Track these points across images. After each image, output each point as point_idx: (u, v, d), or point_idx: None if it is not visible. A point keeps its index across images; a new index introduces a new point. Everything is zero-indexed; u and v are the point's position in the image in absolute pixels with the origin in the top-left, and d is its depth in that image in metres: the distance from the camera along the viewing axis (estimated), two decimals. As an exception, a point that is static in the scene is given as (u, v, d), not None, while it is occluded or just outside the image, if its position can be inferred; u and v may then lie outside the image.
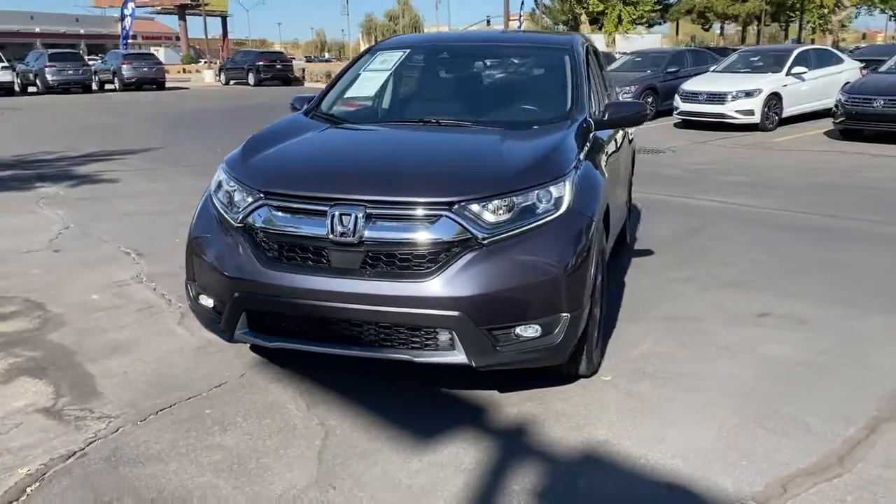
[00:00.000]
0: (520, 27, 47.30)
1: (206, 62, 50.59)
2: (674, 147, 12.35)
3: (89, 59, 34.89)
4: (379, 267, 2.99)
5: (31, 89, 30.91)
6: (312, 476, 2.75)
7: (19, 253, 5.93)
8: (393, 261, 2.99)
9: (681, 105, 14.74)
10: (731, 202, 7.84)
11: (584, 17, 42.92)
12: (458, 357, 2.98)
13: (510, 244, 2.99)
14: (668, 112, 15.39)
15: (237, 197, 3.28)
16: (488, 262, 2.95)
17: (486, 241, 2.96)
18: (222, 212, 3.32)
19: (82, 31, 76.09)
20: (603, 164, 3.90)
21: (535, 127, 3.76)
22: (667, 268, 5.46)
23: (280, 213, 3.13)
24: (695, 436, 3.04)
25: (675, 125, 15.18)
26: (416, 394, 3.42)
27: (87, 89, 30.65)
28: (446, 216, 2.97)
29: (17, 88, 30.19)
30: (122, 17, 36.24)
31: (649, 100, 16.14)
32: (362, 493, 2.65)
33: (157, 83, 32.04)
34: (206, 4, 61.58)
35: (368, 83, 4.46)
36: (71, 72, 29.79)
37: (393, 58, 4.54)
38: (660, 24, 53.14)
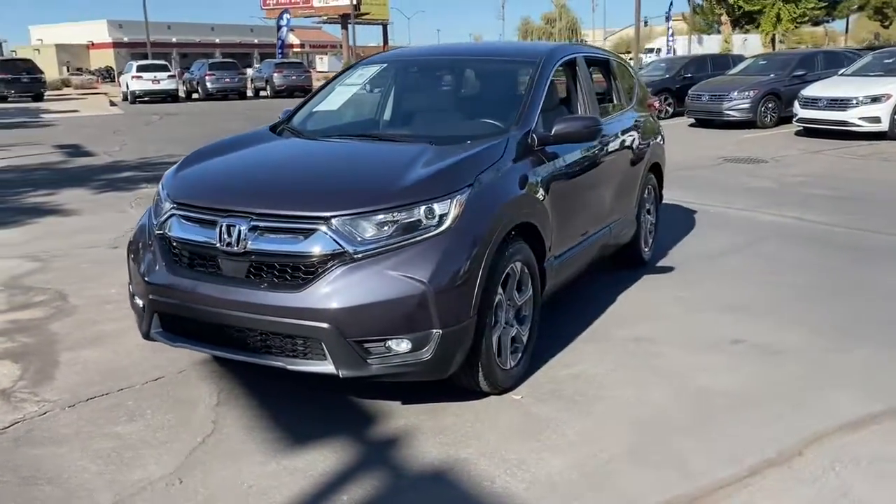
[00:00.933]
0: (669, 32, 45.75)
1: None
2: (780, 157, 11.61)
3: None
4: (261, 277, 3.15)
5: (194, 96, 33.69)
6: (169, 470, 2.94)
7: (83, 248, 6.59)
8: (273, 271, 3.14)
9: (800, 112, 13.79)
10: (803, 218, 7.30)
11: (724, 18, 40.68)
12: (328, 367, 3.08)
13: (382, 259, 3.05)
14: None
15: (160, 206, 3.55)
16: (358, 275, 3.03)
17: (358, 256, 3.04)
18: (150, 219, 3.60)
19: (256, 41, 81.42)
20: (543, 180, 3.83)
21: (469, 141, 3.76)
22: (675, 286, 5.23)
23: (184, 222, 3.37)
24: (561, 462, 2.96)
25: (797, 133, 14.24)
26: (323, 401, 3.54)
27: (241, 96, 33.00)
28: (320, 230, 3.07)
29: (182, 95, 33.00)
30: (279, 28, 38.55)
31: (770, 105, 15.22)
32: (203, 489, 2.82)
33: (305, 90, 33.84)
34: (366, 14, 64.42)
35: (338, 97, 4.62)
36: (227, 80, 32.19)
37: (368, 72, 4.68)
38: (828, 21, 49.32)
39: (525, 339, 3.74)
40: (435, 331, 3.06)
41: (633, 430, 3.20)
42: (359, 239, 3.06)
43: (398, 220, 3.11)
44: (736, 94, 15.26)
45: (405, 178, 3.27)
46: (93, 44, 76.30)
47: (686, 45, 43.70)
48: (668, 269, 5.67)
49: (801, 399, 3.46)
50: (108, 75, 63.58)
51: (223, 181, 3.63)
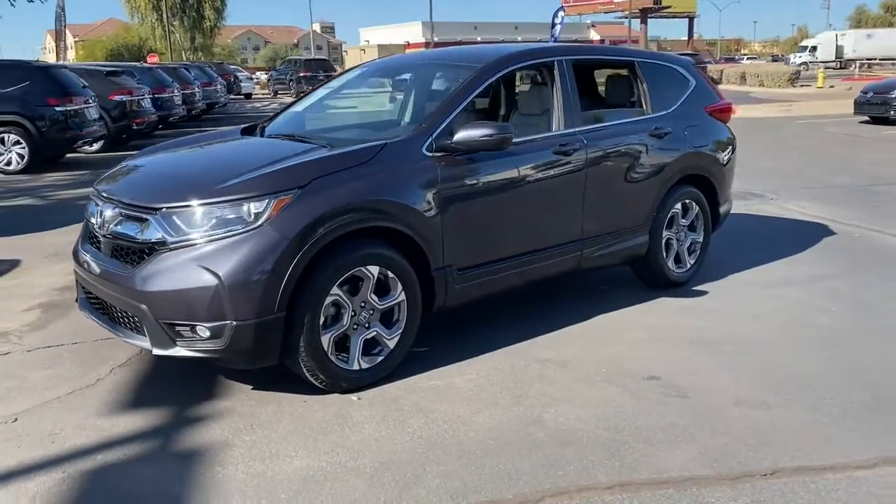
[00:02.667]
0: None
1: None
2: None
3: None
4: (117, 257, 3.60)
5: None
6: (21, 410, 3.51)
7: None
8: (123, 253, 3.57)
9: None
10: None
11: None
12: (147, 344, 3.44)
13: (193, 250, 3.33)
14: None
15: None
16: (171, 263, 3.34)
17: (174, 245, 3.36)
18: None
19: (519, 39, 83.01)
20: (437, 188, 3.78)
21: (359, 145, 3.84)
22: (677, 313, 4.75)
23: (91, 204, 3.94)
24: (297, 465, 3.01)
25: None
26: (212, 380, 3.87)
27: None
28: (151, 220, 3.44)
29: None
30: (553, 25, 38.90)
31: None
32: (22, 429, 3.33)
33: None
34: (667, 7, 62.50)
35: (310, 99, 4.89)
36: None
37: (349, 76, 4.89)
38: None
39: (391, 342, 3.75)
40: (229, 322, 3.27)
41: (418, 447, 3.13)
42: (178, 230, 3.37)
43: (216, 215, 3.35)
44: None
45: (238, 177, 3.49)
46: (409, 44, 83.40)
47: None
48: (700, 294, 5.13)
49: (599, 446, 3.08)
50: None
51: (126, 172, 4.12)
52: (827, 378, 3.75)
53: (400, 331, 3.78)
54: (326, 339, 3.52)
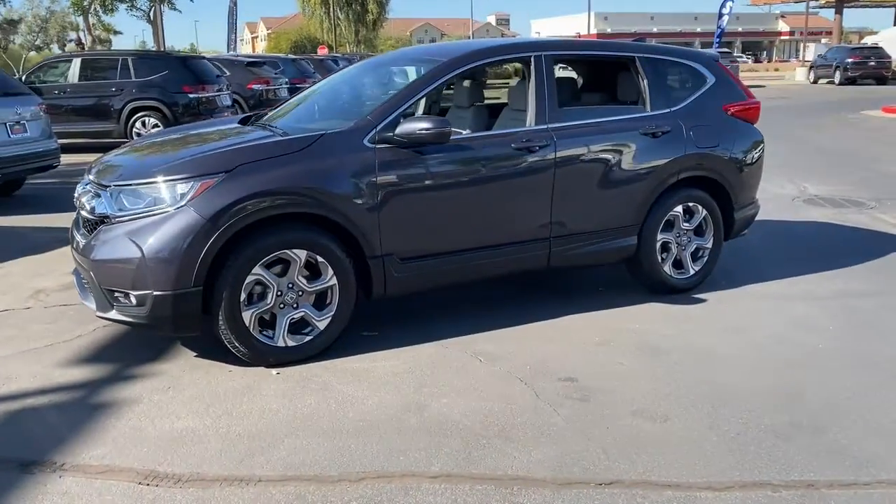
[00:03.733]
0: None
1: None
2: None
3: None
4: (83, 228, 4.04)
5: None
6: (1, 356, 4.07)
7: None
8: (84, 225, 4.02)
9: None
10: None
11: None
12: (93, 306, 3.87)
13: (127, 225, 3.70)
14: None
15: None
16: (111, 235, 3.74)
17: (115, 219, 3.75)
18: None
19: (698, 30, 78.75)
20: (374, 177, 3.92)
21: (296, 135, 4.05)
22: (645, 320, 4.59)
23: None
24: (165, 429, 3.30)
25: None
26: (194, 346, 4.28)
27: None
28: (103, 196, 3.85)
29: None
30: (720, 16, 37.00)
31: None
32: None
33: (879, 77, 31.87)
34: (867, -5, 57.41)
35: (312, 90, 5.15)
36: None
37: (351, 70, 5.12)
38: None
39: (321, 324, 3.95)
40: (150, 292, 3.61)
41: (294, 422, 3.33)
42: (121, 206, 3.75)
43: (151, 195, 3.71)
44: None
45: (176, 160, 3.84)
46: (579, 35, 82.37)
47: None
48: (697, 301, 4.92)
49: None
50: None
51: (113, 155, 4.56)
52: (755, 398, 3.52)
53: (331, 314, 3.97)
54: (248, 316, 3.77)
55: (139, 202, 3.72)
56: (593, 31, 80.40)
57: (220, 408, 3.46)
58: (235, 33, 28.43)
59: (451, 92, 5.49)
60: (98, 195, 3.92)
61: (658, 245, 4.92)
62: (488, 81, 6.26)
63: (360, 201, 3.92)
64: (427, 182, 4.12)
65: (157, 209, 3.67)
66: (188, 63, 13.42)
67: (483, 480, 2.84)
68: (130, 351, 4.13)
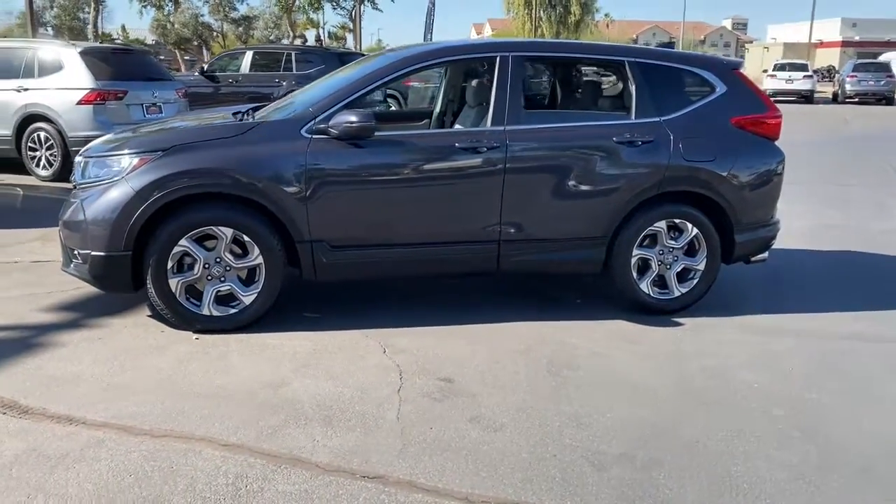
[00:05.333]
0: None
1: None
2: None
3: None
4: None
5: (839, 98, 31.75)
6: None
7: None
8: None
9: None
10: None
11: None
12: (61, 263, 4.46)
13: (84, 191, 4.23)
14: None
15: None
16: (73, 200, 4.29)
17: (78, 186, 4.30)
18: None
19: None
20: (310, 165, 4.13)
21: (259, 122, 4.37)
22: (591, 337, 4.41)
23: None
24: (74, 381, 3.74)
25: None
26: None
27: (889, 101, 29.61)
28: (77, 166, 4.41)
29: (829, 97, 31.40)
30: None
31: None
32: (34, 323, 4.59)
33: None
34: None
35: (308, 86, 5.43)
36: (872, 82, 29.36)
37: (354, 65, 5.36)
38: None
39: (247, 299, 4.25)
40: (90, 252, 4.11)
41: (172, 382, 3.65)
42: (85, 175, 4.29)
43: (105, 167, 4.21)
44: None
45: (135, 138, 4.33)
46: (821, 42, 75.73)
47: None
48: (671, 324, 4.63)
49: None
50: (827, 75, 62.57)
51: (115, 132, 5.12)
52: (615, 427, 3.31)
53: (257, 290, 4.25)
54: (175, 283, 4.16)
55: (95, 173, 4.23)
56: (838, 37, 73.83)
57: (122, 361, 3.87)
58: (431, 33, 29.59)
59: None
60: (77, 164, 4.49)
61: (633, 261, 4.66)
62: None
63: (288, 188, 4.15)
64: (360, 175, 4.26)
65: (105, 180, 4.14)
66: (344, 59, 14.30)
67: (262, 456, 2.97)
68: (91, 303, 4.69)
